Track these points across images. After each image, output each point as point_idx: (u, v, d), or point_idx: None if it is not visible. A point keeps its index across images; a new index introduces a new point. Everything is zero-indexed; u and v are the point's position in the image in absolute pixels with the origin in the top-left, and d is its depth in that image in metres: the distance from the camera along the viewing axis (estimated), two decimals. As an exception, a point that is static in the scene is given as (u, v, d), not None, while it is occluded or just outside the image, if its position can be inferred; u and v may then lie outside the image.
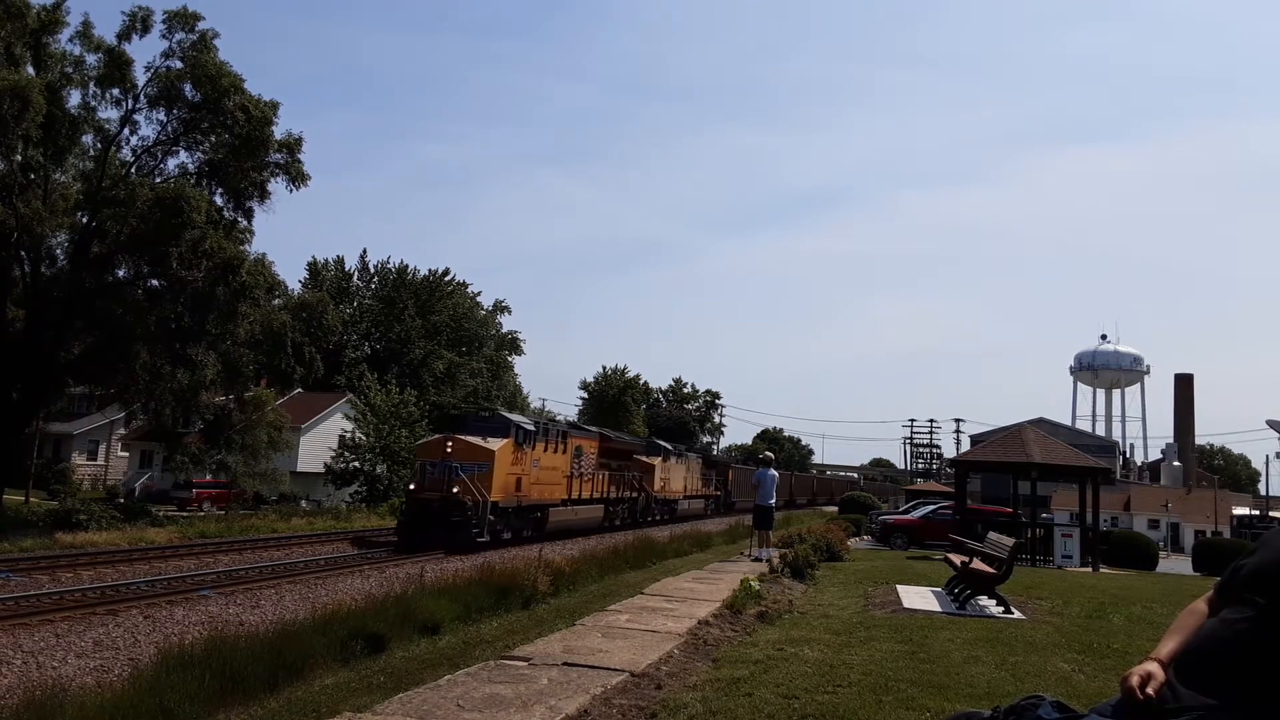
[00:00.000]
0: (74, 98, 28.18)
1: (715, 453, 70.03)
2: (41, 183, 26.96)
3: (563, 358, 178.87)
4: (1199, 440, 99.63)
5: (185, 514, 33.27)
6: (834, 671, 6.89)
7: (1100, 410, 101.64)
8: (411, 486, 23.13)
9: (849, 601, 11.69)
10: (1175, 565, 30.02)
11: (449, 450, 22.13)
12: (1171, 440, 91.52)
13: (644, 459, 35.25)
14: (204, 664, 7.87)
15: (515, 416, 25.72)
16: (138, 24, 27.86)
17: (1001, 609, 11.09)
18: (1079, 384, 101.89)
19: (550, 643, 7.95)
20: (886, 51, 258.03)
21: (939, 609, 11.25)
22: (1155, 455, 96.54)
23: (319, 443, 45.54)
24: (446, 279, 64.84)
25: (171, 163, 29.86)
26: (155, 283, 28.67)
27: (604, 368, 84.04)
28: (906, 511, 33.16)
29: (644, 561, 19.13)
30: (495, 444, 22.65)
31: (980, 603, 11.56)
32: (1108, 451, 70.72)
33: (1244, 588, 2.31)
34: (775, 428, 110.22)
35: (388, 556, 20.64)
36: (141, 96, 28.51)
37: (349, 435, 41.18)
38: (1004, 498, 30.52)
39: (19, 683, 8.70)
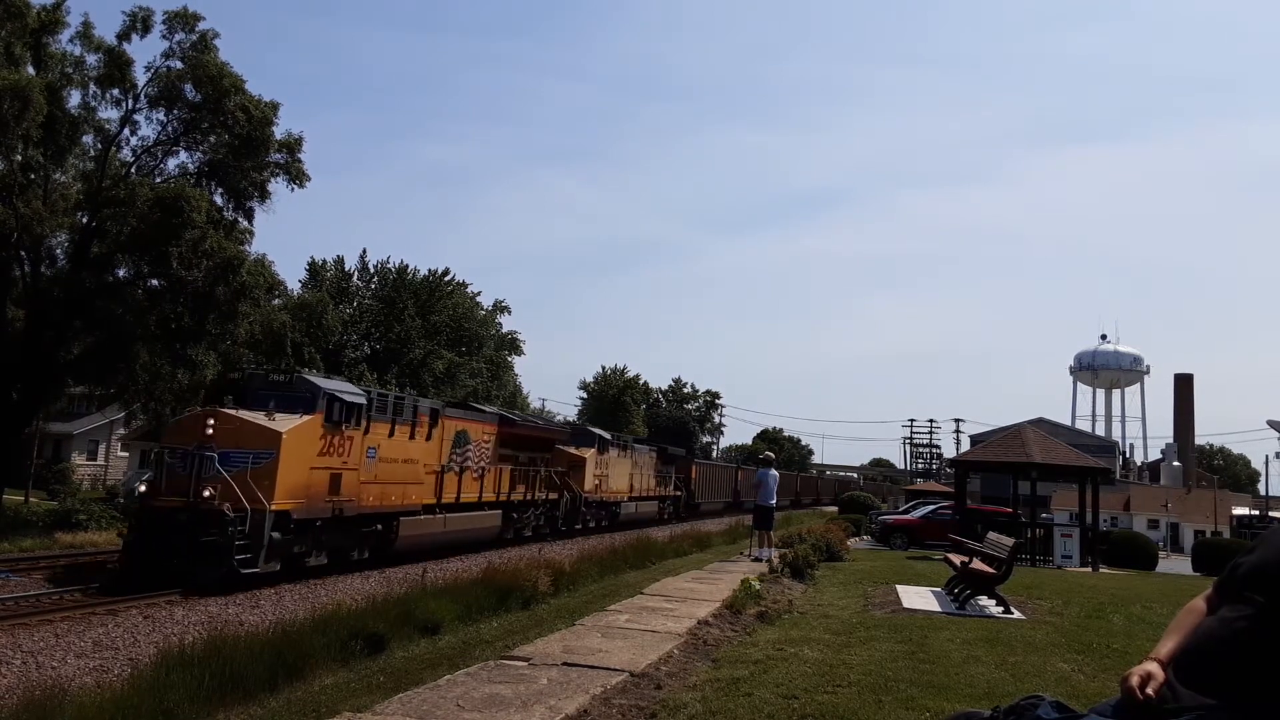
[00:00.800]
0: (74, 98, 28.15)
1: (701, 447, 69.12)
2: (41, 183, 26.93)
3: (563, 358, 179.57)
4: (1199, 440, 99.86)
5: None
6: (834, 671, 6.89)
7: (1100, 410, 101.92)
8: (142, 488, 16.39)
9: (849, 601, 11.69)
10: (1175, 565, 30.05)
11: (209, 432, 14.56)
12: (1171, 440, 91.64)
13: (570, 450, 28.86)
14: (204, 664, 7.85)
15: (331, 383, 17.22)
16: (138, 24, 27.81)
17: (1001, 609, 11.10)
18: (1079, 384, 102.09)
19: (550, 643, 7.96)
20: (886, 51, 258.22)
21: (939, 609, 11.26)
22: (1155, 455, 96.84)
23: (319, 443, 45.37)
24: (446, 279, 64.76)
25: (172, 163, 29.85)
26: (155, 283, 28.62)
27: (604, 368, 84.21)
28: (906, 511, 33.18)
29: (644, 561, 19.17)
30: (286, 423, 15.11)
31: (980, 603, 11.57)
32: (1108, 451, 70.76)
33: (1243, 586, 2.31)
34: (775, 428, 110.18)
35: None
36: (142, 97, 28.47)
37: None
38: (1004, 498, 30.52)
39: (19, 683, 8.69)
